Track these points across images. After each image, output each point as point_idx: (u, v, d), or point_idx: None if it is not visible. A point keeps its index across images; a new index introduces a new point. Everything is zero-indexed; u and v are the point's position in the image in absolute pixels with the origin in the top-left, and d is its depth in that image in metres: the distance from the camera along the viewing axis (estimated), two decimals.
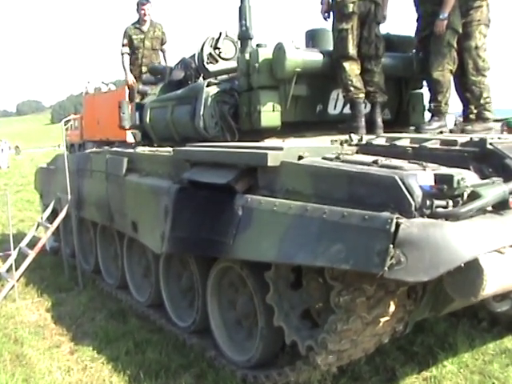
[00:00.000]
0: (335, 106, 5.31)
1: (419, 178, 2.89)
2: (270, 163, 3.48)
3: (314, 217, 3.09)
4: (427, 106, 5.39)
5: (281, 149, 3.55)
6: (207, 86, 5.31)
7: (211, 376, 4.18)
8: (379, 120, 4.96)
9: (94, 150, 6.81)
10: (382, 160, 3.17)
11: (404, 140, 3.90)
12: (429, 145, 3.65)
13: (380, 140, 4.05)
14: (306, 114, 5.20)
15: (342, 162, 3.32)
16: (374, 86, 4.94)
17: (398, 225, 2.69)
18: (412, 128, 5.44)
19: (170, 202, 4.52)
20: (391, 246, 2.67)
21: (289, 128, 5.10)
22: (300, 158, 3.55)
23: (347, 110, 5.34)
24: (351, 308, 3.27)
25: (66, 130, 34.49)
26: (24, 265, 6.34)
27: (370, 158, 3.26)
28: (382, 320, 3.46)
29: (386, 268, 2.68)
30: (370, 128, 4.90)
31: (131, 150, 5.79)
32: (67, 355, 4.74)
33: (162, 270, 5.35)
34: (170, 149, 5.06)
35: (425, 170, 3.05)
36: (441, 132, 4.85)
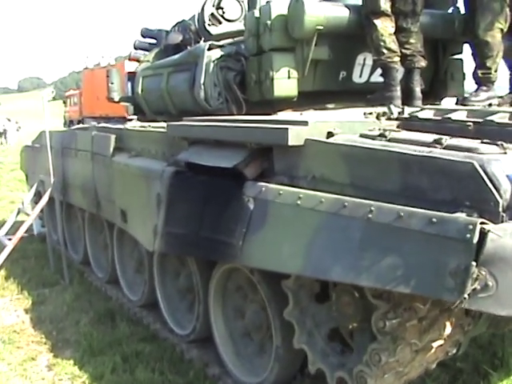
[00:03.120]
0: (361, 73, 4.44)
1: (504, 164, 2.07)
2: (291, 142, 2.65)
3: (355, 216, 2.27)
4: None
5: (305, 123, 2.72)
6: (209, 49, 4.46)
7: None
8: (417, 89, 4.10)
9: (80, 126, 5.98)
10: (447, 139, 2.34)
11: (459, 113, 3.06)
12: (497, 119, 2.81)
13: (427, 113, 3.21)
14: (326, 82, 4.34)
15: (390, 141, 2.49)
16: (411, 48, 4.07)
17: (483, 233, 1.87)
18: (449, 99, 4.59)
19: (163, 190, 3.71)
20: (473, 263, 1.86)
21: (306, 99, 4.25)
22: (330, 135, 2.73)
23: (375, 77, 4.49)
24: (400, 334, 2.50)
25: (65, 106, 33.79)
26: (1, 257, 5.54)
27: (428, 137, 2.43)
28: (435, 345, 2.70)
29: (465, 295, 1.88)
30: (405, 99, 4.04)
31: (120, 126, 4.95)
32: (43, 372, 3.96)
33: (156, 266, 4.57)
34: (164, 124, 4.24)
35: (506, 153, 2.23)
36: (490, 104, 4.00)
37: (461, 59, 4.84)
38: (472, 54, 4.39)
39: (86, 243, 6.26)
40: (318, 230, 2.42)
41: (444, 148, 2.27)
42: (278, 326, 3.19)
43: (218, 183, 3.17)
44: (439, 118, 3.04)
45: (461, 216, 1.95)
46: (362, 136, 2.64)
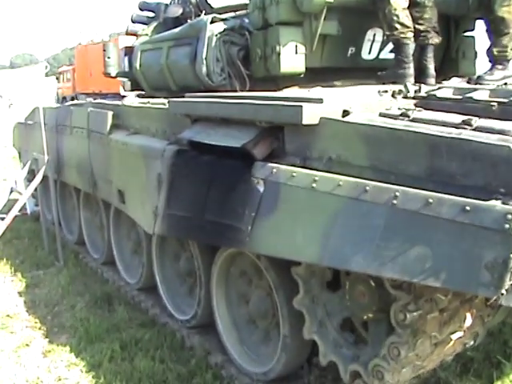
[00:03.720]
0: (370, 50, 4.26)
1: None
2: (305, 120, 2.47)
3: (378, 202, 2.10)
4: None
5: (319, 100, 2.54)
6: (211, 22, 4.25)
7: None
8: (431, 67, 3.91)
9: (75, 101, 5.75)
10: (476, 120, 2.16)
11: (480, 92, 2.88)
12: None
13: (445, 91, 3.02)
14: (334, 58, 4.15)
15: (413, 121, 2.31)
16: (425, 23, 3.87)
17: None
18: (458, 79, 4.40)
19: (164, 169, 3.53)
20: None
21: (313, 75, 4.07)
22: (345, 113, 2.54)
23: (384, 54, 4.32)
24: (420, 327, 2.35)
25: (58, 82, 33.34)
26: None
27: (454, 117, 2.26)
28: (455, 337, 2.58)
29: (503, 291, 1.72)
30: (418, 77, 3.86)
31: (117, 102, 4.74)
32: (38, 359, 3.79)
33: (155, 248, 4.39)
34: (165, 100, 4.04)
35: None
36: (505, 83, 3.82)
37: (473, 37, 4.65)
38: (486, 31, 4.19)
39: (80, 223, 6.07)
40: (336, 216, 2.25)
41: (474, 130, 2.10)
42: (285, 314, 3.04)
43: (225, 163, 2.99)
44: (460, 97, 2.86)
45: (497, 204, 1.79)
46: (381, 115, 2.46)
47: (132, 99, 4.73)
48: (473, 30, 4.57)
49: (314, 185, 2.36)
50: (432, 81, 3.83)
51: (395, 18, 3.72)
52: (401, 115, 2.37)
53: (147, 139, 4.01)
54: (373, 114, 2.53)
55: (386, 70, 3.91)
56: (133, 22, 5.71)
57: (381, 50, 4.27)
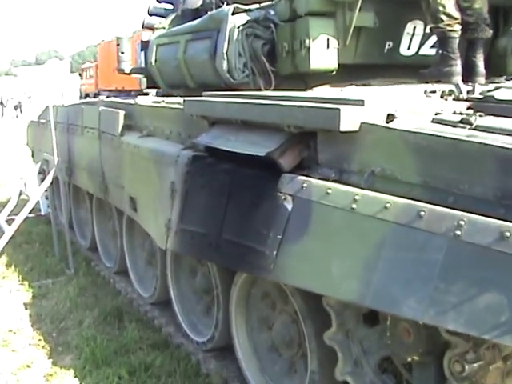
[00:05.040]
0: (410, 45, 3.82)
1: None
2: (343, 126, 2.06)
3: (436, 231, 1.68)
4: None
5: (360, 102, 2.12)
6: (233, 13, 3.83)
7: None
8: (481, 64, 3.46)
9: (88, 100, 5.40)
10: None
11: None
12: None
13: (505, 93, 2.59)
14: (370, 53, 3.73)
15: (476, 129, 1.89)
16: (474, 14, 3.42)
17: None
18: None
19: (177, 178, 3.15)
20: None
21: (345, 73, 3.65)
22: (390, 118, 2.13)
23: (425, 50, 3.88)
24: (480, 379, 1.91)
25: (81, 78, 33.28)
26: (0, 243, 5.04)
27: None
28: None
29: None
30: (465, 76, 3.42)
31: (130, 101, 4.37)
32: (39, 383, 3.44)
33: (169, 261, 4.01)
34: (181, 99, 3.66)
35: None
36: None
37: None
38: None
39: (93, 228, 5.73)
40: (382, 246, 1.83)
41: None
42: (314, 348, 2.63)
43: (246, 174, 2.59)
44: None
45: None
46: (435, 121, 2.05)
47: (146, 98, 4.35)
48: None
49: (354, 205, 1.95)
50: (482, 80, 3.39)
51: (441, 9, 3.28)
52: (461, 122, 1.94)
53: (160, 142, 3.64)
54: (423, 119, 2.12)
55: (428, 68, 3.47)
56: (149, 14, 5.33)
57: (421, 45, 3.83)
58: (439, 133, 1.87)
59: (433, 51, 3.89)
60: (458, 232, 1.63)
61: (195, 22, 4.24)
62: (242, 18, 3.83)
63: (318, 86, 3.61)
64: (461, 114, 2.13)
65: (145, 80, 5.16)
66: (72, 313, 4.42)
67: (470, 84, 2.73)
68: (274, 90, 3.86)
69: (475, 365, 1.88)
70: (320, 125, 2.17)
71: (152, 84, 5.05)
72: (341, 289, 1.97)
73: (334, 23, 3.48)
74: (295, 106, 2.29)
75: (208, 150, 3.01)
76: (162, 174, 3.39)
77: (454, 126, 1.93)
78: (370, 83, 3.56)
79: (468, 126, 1.91)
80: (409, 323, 2.15)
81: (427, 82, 3.34)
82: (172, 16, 4.98)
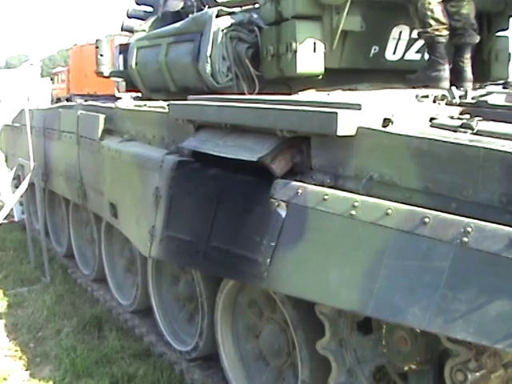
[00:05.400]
0: (395, 49, 3.81)
1: None
2: (340, 131, 2.01)
3: (441, 238, 1.63)
4: None
5: (357, 106, 2.07)
6: (217, 16, 3.78)
7: None
8: (468, 70, 3.46)
9: (65, 103, 5.28)
10: None
11: None
12: None
13: (496, 98, 2.57)
14: (355, 58, 3.72)
15: (477, 134, 1.85)
16: (461, 20, 3.41)
17: None
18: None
19: (162, 183, 3.06)
20: None
21: (330, 77, 3.62)
22: (387, 122, 2.08)
23: (411, 55, 3.88)
24: None
25: (53, 83, 32.82)
26: None
27: None
28: None
29: None
30: (453, 81, 3.41)
31: (110, 105, 4.26)
32: None
33: (151, 268, 3.92)
34: (164, 103, 3.58)
35: None
36: None
37: (507, 37, 4.19)
38: None
39: (70, 235, 5.59)
40: (384, 254, 1.77)
41: None
42: (305, 358, 2.56)
43: (236, 180, 2.52)
44: None
45: None
46: (434, 126, 2.01)
47: (127, 101, 4.25)
48: (507, 29, 4.11)
49: (354, 212, 1.89)
50: (469, 85, 3.37)
51: (429, 13, 3.27)
52: (461, 126, 1.90)
53: (143, 147, 3.55)
54: (421, 123, 2.08)
55: (415, 73, 3.45)
56: (129, 17, 5.24)
57: (406, 50, 3.84)
58: (442, 137, 1.83)
59: (418, 56, 3.89)
60: (465, 239, 1.58)
61: (177, 25, 4.17)
62: (226, 20, 3.78)
63: (303, 90, 3.56)
64: (459, 118, 2.10)
65: (124, 84, 5.05)
66: (50, 322, 4.28)
67: (461, 89, 2.71)
68: (258, 94, 3.81)
69: (478, 374, 1.84)
70: (316, 129, 2.11)
71: (131, 87, 4.96)
72: (340, 297, 1.90)
73: (320, 27, 3.45)
74: (290, 109, 2.23)
75: (194, 155, 2.94)
76: (146, 180, 3.30)
77: (454, 131, 1.89)
78: (356, 88, 3.52)
79: (469, 131, 1.87)
80: (406, 331, 2.10)
81: (414, 87, 3.33)
82: (152, 18, 4.90)
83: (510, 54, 4.19)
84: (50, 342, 3.98)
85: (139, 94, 5.04)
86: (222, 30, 3.73)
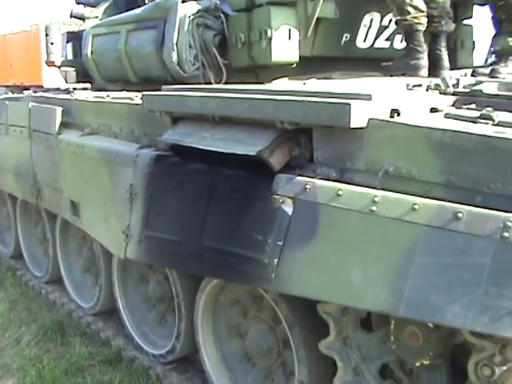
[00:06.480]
0: (366, 37, 3.74)
1: None
2: (353, 123, 1.90)
3: (478, 233, 1.56)
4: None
5: (367, 97, 1.97)
6: (183, 1, 3.59)
7: None
8: (445, 58, 3.43)
9: (12, 95, 4.94)
10: None
11: None
12: None
13: (488, 86, 2.53)
14: (327, 46, 3.63)
15: (499, 125, 1.79)
16: (438, 8, 3.37)
17: None
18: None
19: (138, 179, 2.88)
20: None
21: (302, 66, 3.52)
22: (394, 113, 2.00)
23: (380, 43, 3.82)
24: (505, 381, 1.83)
25: None
26: None
27: None
28: None
29: None
30: (429, 68, 3.37)
31: (67, 96, 4.00)
32: None
33: (116, 268, 3.72)
34: (130, 94, 3.39)
35: None
36: None
37: (471, 25, 4.21)
38: (493, 18, 3.77)
39: (17, 234, 5.27)
40: (414, 251, 1.68)
41: None
42: (303, 358, 2.46)
43: (231, 175, 2.37)
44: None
45: None
46: (448, 117, 1.94)
47: (86, 93, 4.01)
48: (471, 17, 4.12)
49: (374, 207, 1.79)
50: (446, 73, 3.35)
51: (408, 1, 3.21)
52: (480, 117, 1.84)
53: (111, 141, 3.33)
54: (433, 114, 2.01)
55: (393, 61, 3.40)
56: (77, 3, 4.95)
57: (376, 37, 3.77)
58: (465, 129, 1.75)
59: (387, 44, 3.85)
60: (506, 234, 1.52)
61: (138, 11, 3.95)
62: (193, 6, 3.61)
63: (274, 79, 3.44)
64: (468, 109, 2.04)
65: (74, 74, 4.76)
66: (6, 330, 4.01)
67: (453, 77, 2.66)
68: (225, 83, 3.68)
69: (504, 367, 1.79)
70: (324, 121, 2.00)
71: (83, 78, 4.69)
72: (366, 298, 1.80)
73: (295, 13, 3.33)
74: (293, 100, 2.10)
75: (172, 149, 2.77)
76: (116, 176, 3.10)
77: (474, 122, 1.83)
78: (330, 76, 3.44)
79: (490, 122, 1.81)
80: (417, 326, 2.03)
81: (392, 75, 3.27)
82: (105, 5, 4.64)
83: (473, 42, 4.21)
84: (9, 352, 3.72)
85: (88, 85, 4.78)
86: (189, 17, 3.56)
